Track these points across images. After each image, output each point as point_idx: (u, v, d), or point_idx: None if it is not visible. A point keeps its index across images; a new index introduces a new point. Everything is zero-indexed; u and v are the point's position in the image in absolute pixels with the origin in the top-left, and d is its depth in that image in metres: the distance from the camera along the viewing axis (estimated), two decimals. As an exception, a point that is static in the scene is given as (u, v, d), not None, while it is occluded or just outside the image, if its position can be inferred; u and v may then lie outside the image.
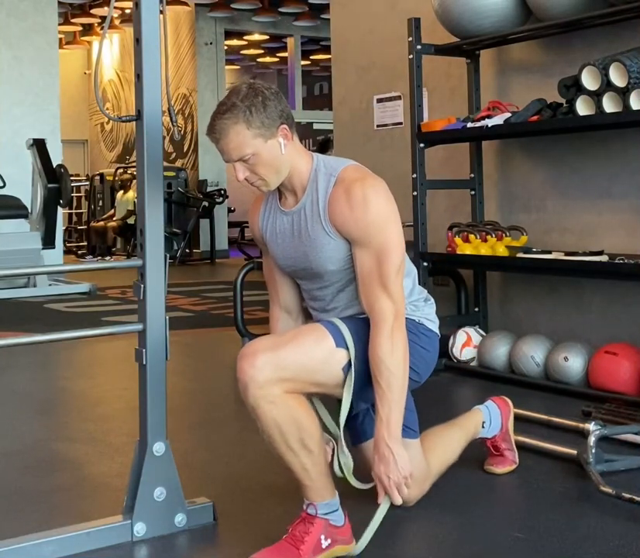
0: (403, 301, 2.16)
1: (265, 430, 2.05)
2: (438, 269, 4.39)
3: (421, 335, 2.25)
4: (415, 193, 4.24)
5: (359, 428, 2.34)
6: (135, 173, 12.85)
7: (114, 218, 12.37)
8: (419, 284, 2.40)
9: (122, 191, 12.56)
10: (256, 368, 2.02)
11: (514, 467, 2.73)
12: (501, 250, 4.05)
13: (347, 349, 2.12)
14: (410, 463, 2.09)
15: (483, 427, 2.68)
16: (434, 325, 2.34)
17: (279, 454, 2.08)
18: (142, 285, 2.26)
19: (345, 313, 2.27)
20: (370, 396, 2.20)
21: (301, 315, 2.41)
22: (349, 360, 2.11)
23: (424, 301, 2.34)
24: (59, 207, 8.41)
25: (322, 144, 10.59)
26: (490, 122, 3.98)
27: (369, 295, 2.14)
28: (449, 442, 2.55)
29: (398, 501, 2.09)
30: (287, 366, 2.02)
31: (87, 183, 13.93)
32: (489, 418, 2.69)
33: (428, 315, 2.33)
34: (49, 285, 8.18)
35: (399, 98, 5.05)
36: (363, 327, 2.18)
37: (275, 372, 2.01)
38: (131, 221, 11.77)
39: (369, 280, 2.13)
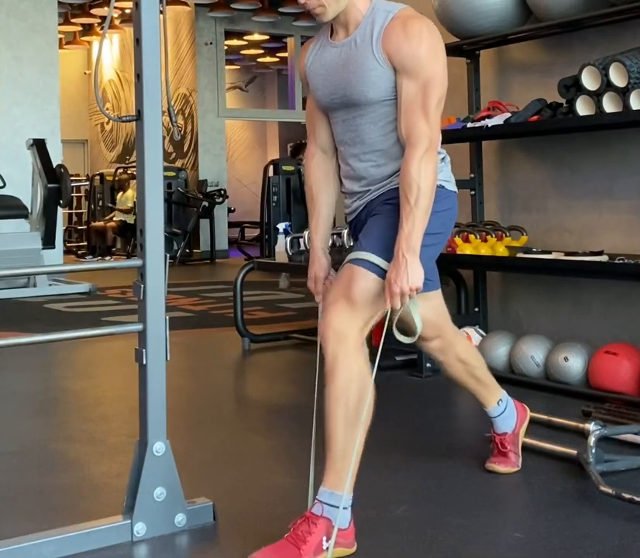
0: (439, 130, 2.27)
1: (333, 389, 2.11)
2: (438, 269, 4.37)
3: (441, 200, 2.30)
4: (415, 193, 4.24)
5: None
6: (133, 173, 12.90)
7: (114, 218, 12.38)
8: None
9: (121, 192, 12.56)
10: (338, 321, 2.14)
11: (516, 470, 2.73)
12: (501, 250, 4.05)
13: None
14: (421, 277, 2.16)
15: (497, 404, 2.71)
16: (451, 184, 2.42)
17: (331, 418, 2.12)
18: (142, 285, 2.26)
19: (372, 148, 2.33)
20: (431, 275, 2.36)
21: (335, 154, 2.48)
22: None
23: (441, 160, 2.39)
24: (59, 207, 8.41)
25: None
26: (490, 122, 3.98)
27: (409, 121, 2.22)
28: (474, 352, 2.75)
29: (396, 305, 2.16)
30: (361, 310, 2.16)
31: (87, 183, 13.93)
32: (506, 405, 2.74)
33: (446, 175, 2.39)
34: (49, 285, 8.18)
35: (399, 98, 5.05)
36: (389, 237, 2.22)
37: (352, 321, 2.14)
38: (131, 220, 11.77)
39: (412, 107, 2.22)
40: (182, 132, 13.16)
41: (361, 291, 2.18)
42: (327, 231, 2.49)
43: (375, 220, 2.33)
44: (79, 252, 13.04)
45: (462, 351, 2.64)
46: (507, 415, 2.73)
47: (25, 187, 8.52)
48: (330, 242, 4.08)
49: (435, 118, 2.24)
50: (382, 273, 2.20)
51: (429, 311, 2.42)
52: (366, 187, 2.38)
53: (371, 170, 2.36)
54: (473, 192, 4.48)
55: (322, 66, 2.35)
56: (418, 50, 2.22)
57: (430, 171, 2.18)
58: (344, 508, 2.12)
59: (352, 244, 4.57)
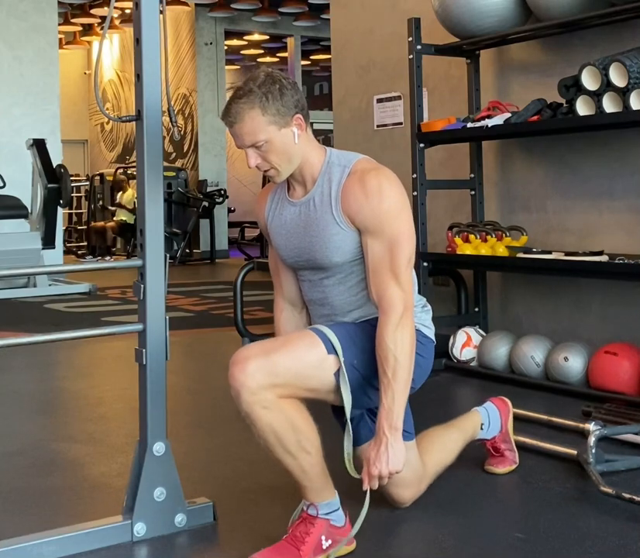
0: (412, 292, 2.16)
1: (260, 435, 2.04)
2: (438, 269, 4.39)
3: (418, 343, 2.21)
4: (415, 193, 4.24)
5: (353, 432, 2.34)
6: (131, 173, 12.87)
7: (114, 218, 12.38)
8: (419, 283, 2.40)
9: (120, 192, 12.56)
10: (248, 374, 2.00)
11: (515, 467, 2.73)
12: (501, 250, 4.05)
13: (337, 355, 2.10)
14: (402, 460, 2.07)
15: (481, 429, 2.68)
16: (430, 331, 2.33)
17: (276, 458, 2.08)
18: (142, 285, 2.26)
19: (342, 310, 2.25)
20: (364, 401, 2.20)
21: (305, 308, 2.39)
22: (340, 366, 2.09)
23: (421, 308, 2.33)
24: (59, 207, 8.41)
25: None
26: (490, 122, 3.98)
27: (379, 284, 2.13)
28: (446, 443, 2.54)
29: (374, 486, 2.08)
30: (279, 373, 2.01)
31: (87, 183, 13.92)
32: (488, 419, 2.69)
33: (425, 321, 2.32)
34: (49, 285, 8.18)
35: (399, 98, 5.06)
36: (355, 332, 2.17)
37: (267, 378, 1.99)
38: (131, 220, 11.77)
39: (381, 269, 2.12)
40: (182, 132, 13.16)
41: (291, 360, 2.04)
42: None
43: (344, 322, 2.25)
44: (79, 252, 13.04)
45: (439, 466, 2.49)
46: (493, 425, 2.70)
47: (25, 187, 8.52)
48: None
49: (406, 280, 2.12)
50: (331, 351, 2.09)
51: (405, 469, 2.16)
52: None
53: (338, 310, 2.27)
54: (473, 192, 4.48)
55: (283, 225, 2.26)
56: (379, 210, 2.11)
57: (407, 339, 2.08)
58: (335, 511, 2.13)
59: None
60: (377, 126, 5.25)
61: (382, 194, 2.12)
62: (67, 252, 12.05)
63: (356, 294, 2.23)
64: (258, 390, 1.99)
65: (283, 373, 2.01)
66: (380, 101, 5.21)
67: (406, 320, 2.09)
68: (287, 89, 2.11)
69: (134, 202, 11.98)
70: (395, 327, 2.08)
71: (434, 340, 2.35)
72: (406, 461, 2.14)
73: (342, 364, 2.09)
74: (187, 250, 12.07)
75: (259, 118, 2.08)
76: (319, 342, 2.09)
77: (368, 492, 2.09)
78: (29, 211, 8.36)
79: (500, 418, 2.72)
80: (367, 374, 2.15)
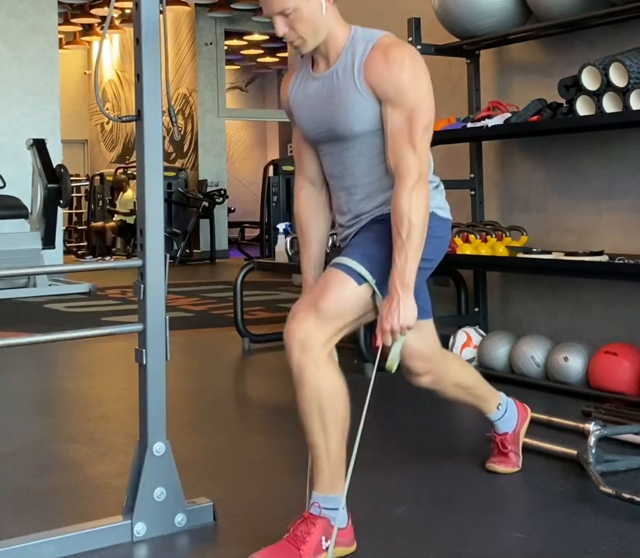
0: (427, 161, 2.23)
1: (303, 399, 2.08)
2: (438, 269, 4.34)
3: (434, 227, 2.26)
4: (415, 193, 4.23)
5: None
6: (133, 173, 12.88)
7: (114, 219, 12.39)
8: None
9: (121, 192, 12.57)
10: (302, 330, 2.09)
11: (516, 470, 2.73)
12: (501, 250, 4.05)
13: (367, 281, 2.18)
14: (413, 316, 2.12)
15: (497, 409, 2.70)
16: (445, 212, 2.39)
17: (308, 429, 2.10)
18: (142, 285, 2.26)
19: (362, 181, 2.30)
20: None
21: (325, 187, 2.45)
22: (373, 290, 2.18)
23: (434, 187, 2.38)
24: (59, 207, 8.41)
25: None
26: (490, 122, 3.98)
27: (396, 152, 2.18)
28: (466, 369, 2.67)
29: (387, 342, 2.13)
30: (329, 319, 2.10)
31: (87, 183, 13.94)
32: (505, 407, 2.72)
33: (440, 203, 2.38)
34: (49, 285, 8.18)
35: (399, 98, 5.05)
36: (375, 247, 2.22)
37: (319, 330, 2.08)
38: (131, 221, 11.77)
39: (399, 138, 2.18)
40: (182, 132, 13.16)
41: (334, 301, 2.13)
42: (319, 265, 2.45)
43: (362, 234, 2.31)
44: (79, 252, 13.05)
45: (456, 376, 2.59)
46: (508, 416, 2.73)
47: (25, 187, 8.52)
48: (330, 242, 4.08)
49: (423, 149, 2.19)
50: (361, 281, 2.16)
51: (420, 343, 2.37)
52: (356, 219, 2.36)
53: (361, 203, 2.32)
54: (473, 192, 4.48)
55: (306, 98, 2.31)
56: (400, 79, 2.16)
57: (421, 204, 2.15)
58: (338, 509, 2.12)
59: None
60: (377, 126, 5.25)
61: (404, 65, 2.17)
62: (67, 252, 12.05)
63: (376, 165, 2.27)
64: (314, 345, 2.08)
65: (331, 319, 2.11)
66: (380, 101, 5.21)
67: (420, 185, 2.16)
68: None
69: (134, 203, 12.00)
70: (410, 191, 2.14)
71: (450, 218, 2.41)
72: (423, 336, 2.33)
73: (375, 288, 2.17)
74: (187, 250, 12.08)
75: None
76: (349, 278, 2.16)
77: (374, 367, 2.15)
78: (29, 211, 8.36)
79: (517, 417, 2.75)
80: None
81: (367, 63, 2.19)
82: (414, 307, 2.13)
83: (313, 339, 2.08)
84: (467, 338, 4.26)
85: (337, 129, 2.25)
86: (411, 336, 2.23)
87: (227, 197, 12.60)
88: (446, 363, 2.56)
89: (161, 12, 2.23)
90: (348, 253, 2.23)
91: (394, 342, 2.14)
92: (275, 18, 2.17)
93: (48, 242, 8.24)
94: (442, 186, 2.42)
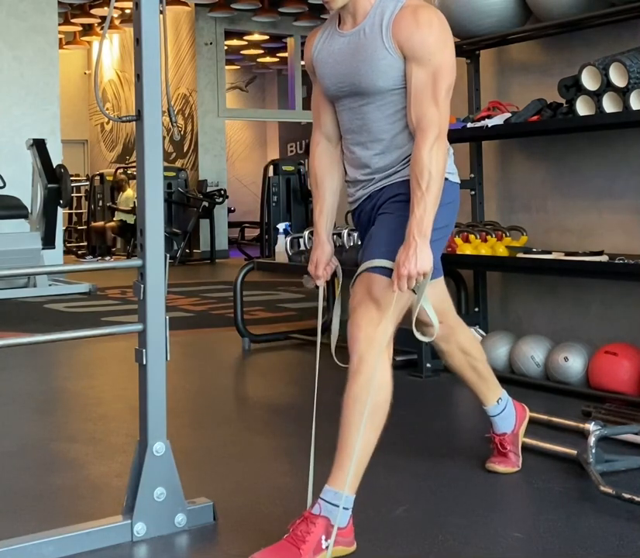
0: (448, 117, 2.27)
1: (353, 388, 2.13)
2: (438, 269, 4.38)
3: (445, 191, 2.29)
4: (415, 193, 4.23)
5: None
6: (133, 173, 12.88)
7: (114, 219, 12.39)
8: None
9: (121, 192, 12.57)
10: (366, 321, 2.17)
11: (516, 470, 2.73)
12: (501, 250, 4.05)
13: None
14: (429, 263, 2.16)
15: (497, 403, 2.72)
16: (454, 176, 2.43)
17: (347, 420, 2.13)
18: (142, 285, 2.26)
19: (377, 137, 2.33)
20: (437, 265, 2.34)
21: (339, 144, 2.48)
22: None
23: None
24: (59, 207, 8.41)
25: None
26: (490, 122, 3.98)
27: (419, 107, 2.23)
28: (476, 344, 2.76)
29: (403, 288, 2.17)
30: (387, 313, 2.17)
31: (87, 183, 13.93)
32: (505, 403, 2.75)
33: (450, 168, 2.40)
34: (49, 285, 8.18)
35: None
36: (395, 238, 2.24)
37: (380, 322, 2.16)
38: (131, 221, 11.77)
39: (423, 95, 2.23)
40: (182, 132, 13.16)
41: (384, 292, 2.19)
42: (331, 217, 2.51)
43: (382, 221, 2.34)
44: (79, 252, 13.05)
45: (465, 341, 2.67)
46: (507, 414, 2.73)
47: (25, 187, 8.51)
48: (337, 243, 4.08)
49: (444, 106, 2.25)
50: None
51: (432, 298, 2.41)
52: (371, 176, 2.39)
53: (376, 158, 2.36)
54: (473, 192, 4.48)
55: (330, 54, 2.35)
56: (428, 39, 2.23)
57: (441, 158, 2.20)
58: (345, 508, 2.12)
59: (355, 241, 4.56)
60: (377, 126, 5.25)
61: (432, 25, 2.25)
62: (67, 252, 12.05)
63: (393, 122, 2.32)
64: (379, 340, 2.15)
65: (390, 316, 2.18)
66: (380, 101, 5.21)
67: (441, 141, 2.21)
68: None
69: (134, 202, 12.00)
70: (431, 145, 2.19)
71: (458, 181, 2.46)
72: (436, 292, 2.45)
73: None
74: (187, 250, 12.07)
75: None
76: (384, 280, 2.21)
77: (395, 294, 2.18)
78: (29, 211, 8.35)
79: (515, 417, 2.75)
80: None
81: (396, 21, 2.24)
82: (430, 255, 2.17)
83: (377, 331, 2.15)
84: (467, 338, 4.25)
85: (360, 83, 2.29)
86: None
87: (227, 197, 12.59)
88: (459, 326, 2.67)
89: (161, 12, 2.24)
90: (374, 253, 2.27)
91: (413, 287, 2.18)
92: None
93: (48, 242, 8.24)
94: (451, 149, 2.45)
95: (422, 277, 2.17)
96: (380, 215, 2.36)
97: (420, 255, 2.15)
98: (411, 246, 2.16)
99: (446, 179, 2.33)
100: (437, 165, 2.19)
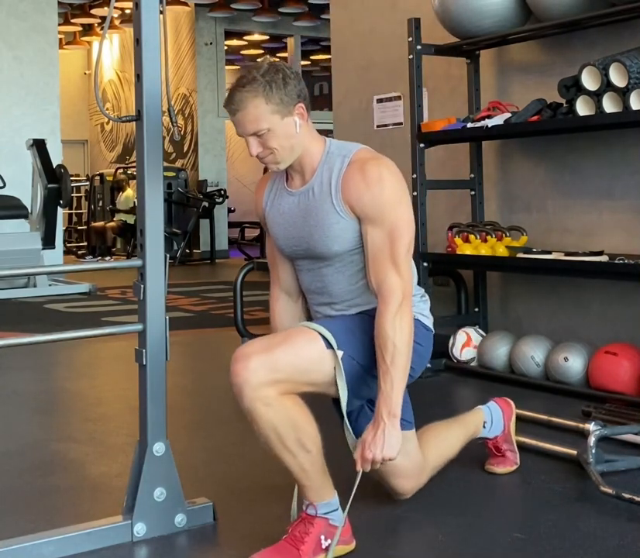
0: (411, 280, 2.17)
1: (261, 432, 2.04)
2: (438, 269, 4.39)
3: (416, 331, 2.21)
4: (415, 193, 4.24)
5: (353, 425, 2.34)
6: (131, 173, 12.87)
7: (114, 219, 12.39)
8: (419, 283, 2.40)
9: (121, 192, 12.56)
10: (250, 371, 2.00)
11: (515, 468, 2.73)
12: (501, 250, 4.05)
13: (333, 349, 2.10)
14: (397, 447, 2.06)
15: (484, 427, 2.68)
16: (428, 321, 2.34)
17: (276, 456, 2.08)
18: (142, 285, 2.26)
19: (341, 298, 2.26)
20: (364, 392, 2.20)
21: (301, 297, 2.40)
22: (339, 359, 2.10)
23: (420, 297, 2.35)
24: (59, 207, 8.41)
25: None
26: (490, 123, 3.98)
27: (378, 272, 2.13)
28: (448, 438, 2.55)
29: (367, 469, 2.07)
30: (281, 368, 2.01)
31: (87, 183, 13.93)
32: (490, 418, 2.70)
33: (423, 311, 2.33)
34: (49, 285, 8.18)
35: (399, 98, 5.05)
36: (354, 324, 2.18)
37: (269, 374, 1.99)
38: (131, 221, 11.77)
39: (381, 257, 2.13)
40: (182, 132, 13.16)
41: (292, 354, 2.03)
42: None
43: (340, 316, 2.26)
44: (79, 252, 13.04)
45: (437, 461, 2.50)
46: (495, 424, 2.71)
47: (25, 187, 8.52)
48: None
49: (405, 268, 2.14)
50: (328, 346, 2.08)
51: (403, 458, 2.23)
52: (340, 313, 2.29)
53: (343, 311, 2.27)
54: (473, 192, 4.48)
55: (281, 214, 2.26)
56: (379, 198, 2.12)
57: (405, 326, 2.08)
58: (334, 510, 2.12)
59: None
60: (377, 126, 5.25)
61: (382, 182, 2.12)
62: (67, 252, 12.05)
63: (356, 283, 2.24)
64: (260, 386, 2.00)
65: (284, 368, 2.01)
66: (380, 101, 5.21)
67: (405, 308, 2.10)
68: (290, 78, 2.12)
69: (134, 202, 12.00)
70: (394, 314, 2.08)
71: (432, 329, 2.35)
72: (406, 451, 2.16)
73: (339, 358, 2.09)
74: (187, 250, 12.08)
75: (262, 107, 2.08)
76: (318, 338, 2.10)
77: (359, 475, 2.08)
78: (29, 211, 8.36)
79: (503, 418, 2.73)
80: (367, 365, 2.16)
81: (344, 180, 2.14)
82: (399, 437, 2.06)
83: (261, 379, 1.99)
84: (467, 338, 4.26)
85: (315, 248, 2.20)
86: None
87: (227, 197, 12.60)
88: (427, 461, 2.44)
89: (161, 12, 2.24)
90: (321, 322, 2.17)
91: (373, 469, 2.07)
92: (248, 138, 2.12)
93: (48, 242, 8.24)
94: (426, 296, 2.37)
95: (388, 461, 2.06)
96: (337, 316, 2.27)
97: (388, 439, 2.03)
98: (379, 427, 2.04)
99: (419, 321, 2.25)
100: (402, 336, 2.07)
